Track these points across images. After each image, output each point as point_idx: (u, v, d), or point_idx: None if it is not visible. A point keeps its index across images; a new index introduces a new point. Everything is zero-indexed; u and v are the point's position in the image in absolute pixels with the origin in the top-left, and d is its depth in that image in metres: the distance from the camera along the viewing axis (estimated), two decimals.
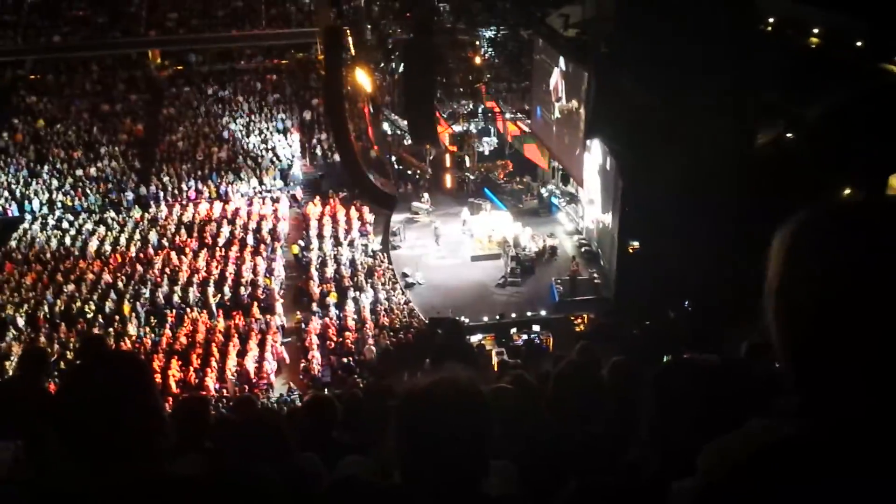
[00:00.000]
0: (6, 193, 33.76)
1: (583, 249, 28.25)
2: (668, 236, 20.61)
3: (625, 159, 23.16)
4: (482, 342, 23.08)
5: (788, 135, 22.87)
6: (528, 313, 24.53)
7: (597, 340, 18.69)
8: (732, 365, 4.34)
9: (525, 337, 23.19)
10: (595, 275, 26.10)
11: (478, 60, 31.30)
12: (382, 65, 33.00)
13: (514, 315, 24.45)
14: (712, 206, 19.82)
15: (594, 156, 25.85)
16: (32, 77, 40.26)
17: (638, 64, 21.55)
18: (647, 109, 21.49)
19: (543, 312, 24.56)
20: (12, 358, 22.77)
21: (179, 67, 41.64)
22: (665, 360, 11.27)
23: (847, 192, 18.45)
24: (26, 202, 33.37)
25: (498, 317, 24.29)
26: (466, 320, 23.75)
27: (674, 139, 20.52)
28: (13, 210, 33.13)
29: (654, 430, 2.54)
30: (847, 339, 1.08)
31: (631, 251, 23.37)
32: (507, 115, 32.17)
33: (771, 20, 24.67)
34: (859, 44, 22.54)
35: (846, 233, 1.11)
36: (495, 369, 20.88)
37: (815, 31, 24.04)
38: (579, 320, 24.28)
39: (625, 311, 23.35)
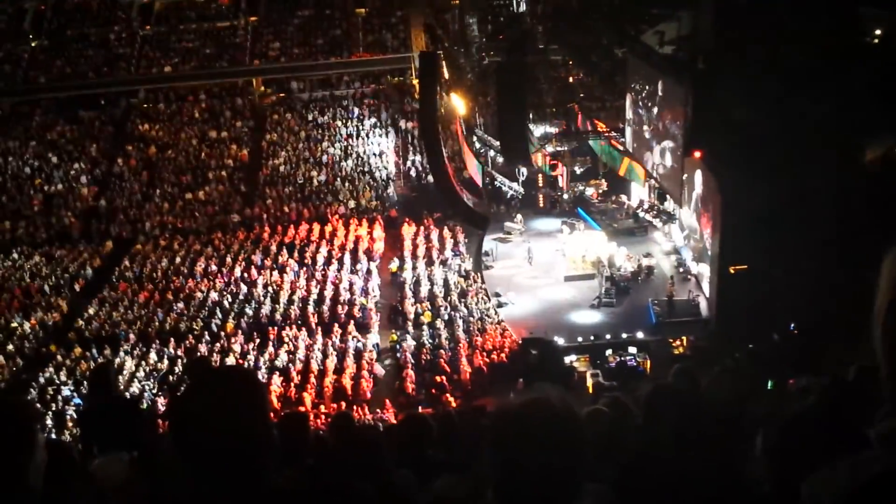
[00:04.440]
0: (121, 216, 35.77)
1: (680, 269, 27.51)
2: (771, 255, 19.84)
3: (725, 176, 22.46)
4: (576, 363, 22.75)
5: None
6: (624, 335, 23.99)
7: (696, 364, 18.17)
8: (842, 389, 4.15)
9: (618, 359, 22.71)
10: (694, 295, 25.33)
11: (571, 80, 31.15)
12: (476, 86, 33.27)
13: (608, 336, 24.01)
14: (817, 223, 18.98)
15: (693, 173, 25.22)
16: (145, 106, 42.69)
17: (737, 79, 20.93)
18: (747, 125, 20.82)
19: (640, 334, 23.92)
20: (125, 372, 24.06)
21: (282, 95, 43.26)
22: (770, 384, 10.80)
23: None
24: (139, 224, 35.27)
25: (592, 338, 23.89)
26: (560, 341, 23.49)
27: (775, 155, 19.78)
28: (128, 231, 35.03)
29: (769, 452, 2.45)
30: None
31: (733, 272, 22.56)
32: (602, 134, 31.83)
33: (878, 32, 23.55)
34: None
35: None
36: (590, 391, 20.54)
37: None
38: (678, 343, 23.57)
39: (726, 333, 22.52)
